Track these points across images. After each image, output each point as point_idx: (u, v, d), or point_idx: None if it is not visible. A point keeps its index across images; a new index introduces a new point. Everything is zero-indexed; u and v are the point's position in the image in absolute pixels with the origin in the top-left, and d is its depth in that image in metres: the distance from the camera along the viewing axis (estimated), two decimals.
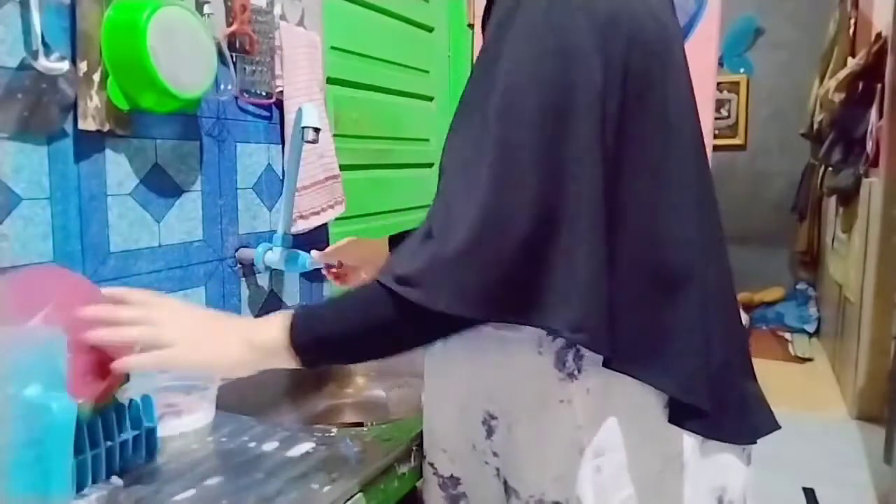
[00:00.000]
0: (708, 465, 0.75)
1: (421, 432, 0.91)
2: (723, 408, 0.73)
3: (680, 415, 0.72)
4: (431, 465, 0.86)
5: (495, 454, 0.79)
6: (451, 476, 0.84)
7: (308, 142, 1.14)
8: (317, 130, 1.13)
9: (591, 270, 0.66)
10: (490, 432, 0.78)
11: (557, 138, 0.65)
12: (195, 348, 0.74)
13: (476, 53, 2.35)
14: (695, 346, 0.72)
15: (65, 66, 0.94)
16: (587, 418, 0.72)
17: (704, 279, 0.73)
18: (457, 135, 0.72)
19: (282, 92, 1.36)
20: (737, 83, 4.88)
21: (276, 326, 0.73)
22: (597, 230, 0.66)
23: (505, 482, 0.78)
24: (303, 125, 1.12)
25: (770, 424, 0.79)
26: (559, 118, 0.65)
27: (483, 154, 0.65)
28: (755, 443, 0.78)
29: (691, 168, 0.75)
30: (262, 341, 0.73)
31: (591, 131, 0.66)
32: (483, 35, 0.77)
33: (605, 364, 0.70)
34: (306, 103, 1.16)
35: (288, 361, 0.73)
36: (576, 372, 0.72)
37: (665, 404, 0.72)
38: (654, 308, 0.71)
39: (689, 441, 0.73)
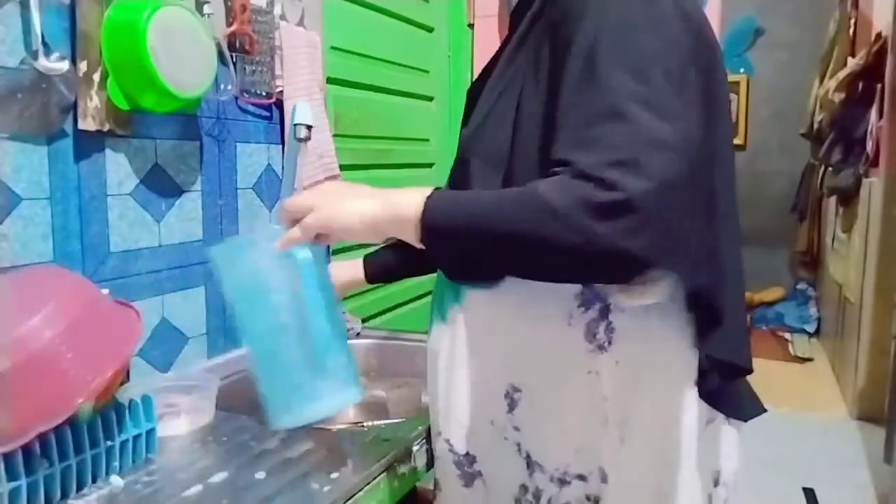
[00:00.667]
0: (712, 444, 0.78)
1: (420, 432, 0.92)
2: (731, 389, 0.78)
3: (709, 391, 0.76)
4: (447, 441, 0.85)
5: (517, 428, 0.79)
6: (467, 454, 0.83)
7: (300, 139, 1.12)
8: (309, 128, 1.11)
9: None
10: (512, 405, 0.78)
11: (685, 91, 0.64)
12: (332, 205, 0.73)
13: (475, 53, 2.36)
14: (740, 314, 0.76)
15: (65, 66, 0.94)
16: (614, 390, 0.73)
17: (739, 258, 0.78)
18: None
19: (282, 92, 1.36)
20: (737, 83, 4.88)
21: (418, 192, 0.69)
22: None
23: (528, 456, 0.78)
24: (294, 122, 1.11)
25: (760, 407, 0.83)
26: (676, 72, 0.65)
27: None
28: (746, 420, 0.82)
29: (730, 162, 0.79)
30: (397, 201, 0.70)
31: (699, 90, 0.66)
32: (517, 24, 0.78)
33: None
34: (300, 100, 1.16)
35: (411, 234, 0.69)
36: (606, 344, 0.73)
37: (687, 378, 0.74)
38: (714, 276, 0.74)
39: (702, 419, 0.76)
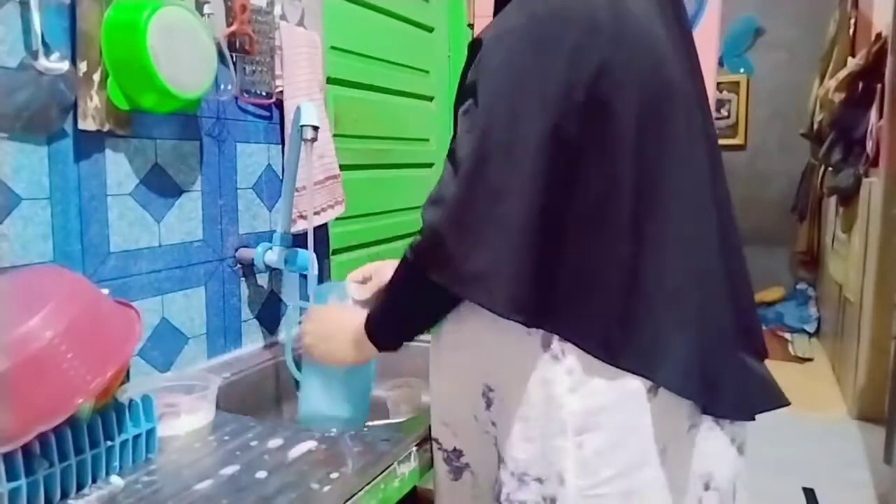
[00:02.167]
0: (693, 451, 0.78)
1: (420, 432, 0.93)
2: (721, 386, 0.77)
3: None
4: (436, 440, 0.90)
5: (493, 424, 0.82)
6: (454, 449, 0.88)
7: (307, 140, 1.13)
8: (315, 129, 1.12)
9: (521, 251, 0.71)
10: (489, 403, 0.82)
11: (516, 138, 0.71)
12: (329, 352, 0.93)
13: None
14: (684, 338, 0.75)
15: (65, 66, 0.94)
16: (570, 399, 0.74)
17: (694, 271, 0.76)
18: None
19: (282, 92, 1.36)
20: (737, 83, 4.87)
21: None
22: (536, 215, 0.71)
23: (499, 451, 0.81)
24: (301, 123, 1.12)
25: (774, 400, 0.83)
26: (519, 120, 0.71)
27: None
28: (753, 419, 0.81)
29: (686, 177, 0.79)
30: (360, 339, 0.87)
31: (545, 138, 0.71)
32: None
33: (612, 362, 0.73)
34: (305, 101, 1.16)
35: (376, 351, 0.88)
36: (560, 354, 0.75)
37: (649, 388, 0.74)
38: (641, 301, 0.74)
39: (674, 427, 0.76)
